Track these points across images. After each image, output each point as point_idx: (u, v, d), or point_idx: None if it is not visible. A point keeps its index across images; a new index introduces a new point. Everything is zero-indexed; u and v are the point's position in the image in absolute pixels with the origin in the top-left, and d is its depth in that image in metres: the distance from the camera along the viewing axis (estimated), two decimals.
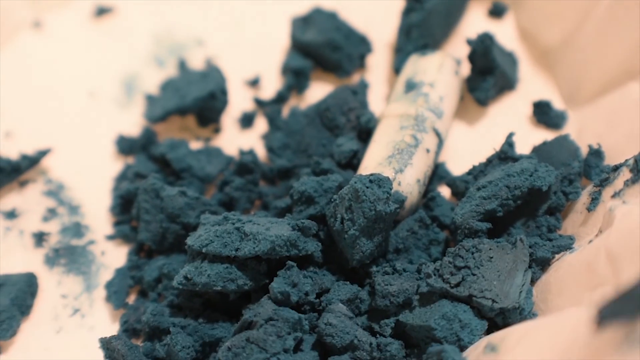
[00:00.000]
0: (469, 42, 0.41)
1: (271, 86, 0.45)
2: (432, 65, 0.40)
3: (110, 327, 0.36)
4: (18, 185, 0.41)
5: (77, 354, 0.35)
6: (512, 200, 0.34)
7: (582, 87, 0.41)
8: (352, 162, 0.39)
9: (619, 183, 0.33)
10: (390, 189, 0.33)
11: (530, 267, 0.33)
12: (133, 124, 0.43)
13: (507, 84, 0.42)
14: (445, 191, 0.39)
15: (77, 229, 0.39)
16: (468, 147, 0.41)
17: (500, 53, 0.42)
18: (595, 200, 0.34)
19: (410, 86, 0.39)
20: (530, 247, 0.34)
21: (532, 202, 0.35)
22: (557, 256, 0.34)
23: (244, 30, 0.47)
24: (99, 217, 0.40)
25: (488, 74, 0.41)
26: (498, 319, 0.32)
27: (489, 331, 0.32)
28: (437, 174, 0.39)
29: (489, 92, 0.41)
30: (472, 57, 0.41)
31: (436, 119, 0.38)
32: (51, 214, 0.40)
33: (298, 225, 0.34)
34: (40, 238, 0.39)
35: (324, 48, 0.43)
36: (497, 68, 0.41)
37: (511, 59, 0.43)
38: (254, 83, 0.45)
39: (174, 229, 0.37)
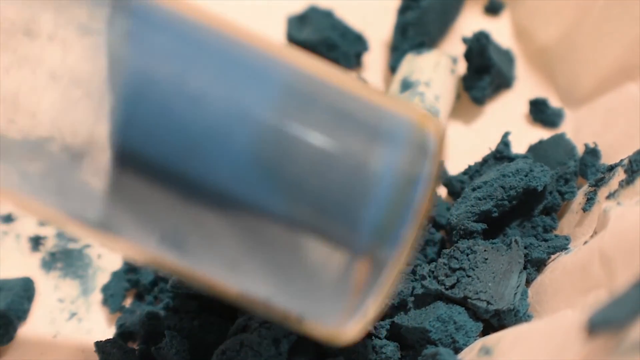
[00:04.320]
0: (465, 40, 0.41)
1: None
2: (428, 63, 0.40)
3: (107, 331, 0.36)
4: None
5: (74, 358, 0.35)
6: (508, 200, 0.34)
7: (579, 85, 0.40)
8: None
9: (614, 183, 0.33)
10: None
11: (525, 268, 0.33)
12: None
13: (503, 82, 0.42)
14: (441, 191, 0.39)
15: None
16: (464, 145, 0.41)
17: (496, 51, 0.42)
18: (590, 200, 0.34)
19: (406, 85, 0.39)
20: (525, 247, 0.34)
21: (528, 202, 0.35)
22: (552, 257, 0.34)
23: None
24: None
25: (484, 73, 0.41)
26: (493, 321, 0.32)
27: (484, 332, 0.32)
28: None
29: (485, 91, 0.41)
30: (468, 56, 0.41)
31: None
32: None
33: None
34: (36, 242, 0.39)
35: (320, 47, 0.43)
36: (494, 66, 0.41)
37: (508, 57, 0.43)
38: None
39: None
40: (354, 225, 0.23)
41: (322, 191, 0.22)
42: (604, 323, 0.22)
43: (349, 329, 0.25)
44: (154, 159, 0.22)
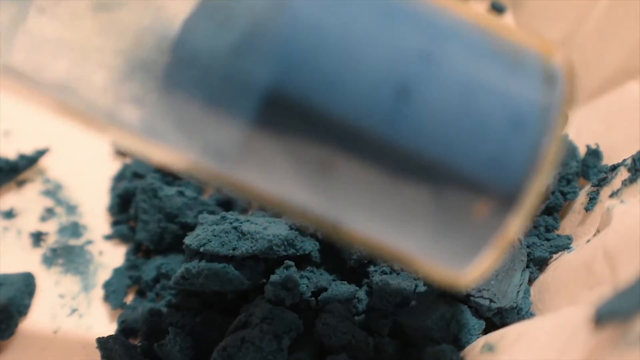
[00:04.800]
0: None
1: None
2: None
3: (108, 327, 0.36)
4: (16, 185, 0.41)
5: (74, 354, 0.35)
6: None
7: (581, 86, 0.40)
8: None
9: (616, 183, 0.33)
10: None
11: (527, 266, 0.33)
12: None
13: None
14: None
15: (74, 229, 0.39)
16: None
17: None
18: (593, 200, 0.34)
19: None
20: (528, 247, 0.34)
21: None
22: (554, 256, 0.34)
23: None
24: (96, 217, 0.40)
25: None
26: (496, 319, 0.32)
27: (486, 331, 0.32)
28: None
29: None
30: None
31: None
32: (49, 213, 0.40)
33: (296, 225, 0.34)
34: (38, 238, 0.39)
35: None
36: None
37: None
38: None
39: (172, 229, 0.37)
40: (506, 162, 0.22)
41: (470, 129, 0.22)
42: (611, 314, 0.22)
43: (473, 270, 0.24)
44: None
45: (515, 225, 0.23)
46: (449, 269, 0.24)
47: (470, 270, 0.24)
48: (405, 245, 0.24)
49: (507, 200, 0.22)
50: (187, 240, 0.34)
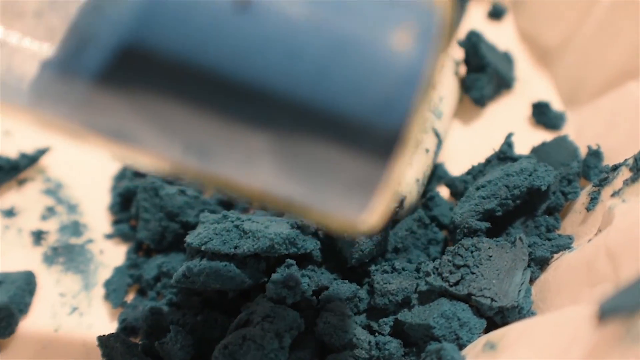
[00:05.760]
0: (460, 43, 0.41)
1: None
2: None
3: (109, 326, 0.36)
4: (17, 183, 0.41)
5: (75, 352, 0.35)
6: (511, 199, 0.34)
7: (581, 88, 0.41)
8: None
9: (618, 182, 0.33)
10: None
11: (529, 266, 0.33)
12: None
13: (503, 82, 0.42)
14: (444, 191, 0.39)
15: (75, 228, 0.39)
16: (467, 147, 0.41)
17: (491, 51, 0.42)
18: (594, 200, 0.34)
19: None
20: (529, 246, 0.34)
21: (531, 202, 0.35)
22: (556, 255, 0.34)
23: None
24: (97, 216, 0.40)
25: (481, 72, 0.41)
26: (497, 318, 0.32)
27: (487, 330, 0.32)
28: (436, 174, 0.39)
29: (483, 91, 0.41)
30: (466, 59, 0.42)
31: (435, 120, 0.38)
32: (50, 212, 0.40)
33: (297, 224, 0.34)
34: (38, 236, 0.39)
35: None
36: (489, 65, 0.41)
37: (507, 58, 0.43)
38: None
39: (173, 228, 0.37)
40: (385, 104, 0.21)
41: (346, 73, 0.21)
42: (614, 310, 0.22)
43: (368, 217, 0.24)
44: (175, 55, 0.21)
45: (402, 161, 0.22)
46: (347, 215, 0.24)
47: (370, 214, 0.23)
48: (296, 192, 0.24)
49: (389, 135, 0.22)
50: (189, 238, 0.34)
